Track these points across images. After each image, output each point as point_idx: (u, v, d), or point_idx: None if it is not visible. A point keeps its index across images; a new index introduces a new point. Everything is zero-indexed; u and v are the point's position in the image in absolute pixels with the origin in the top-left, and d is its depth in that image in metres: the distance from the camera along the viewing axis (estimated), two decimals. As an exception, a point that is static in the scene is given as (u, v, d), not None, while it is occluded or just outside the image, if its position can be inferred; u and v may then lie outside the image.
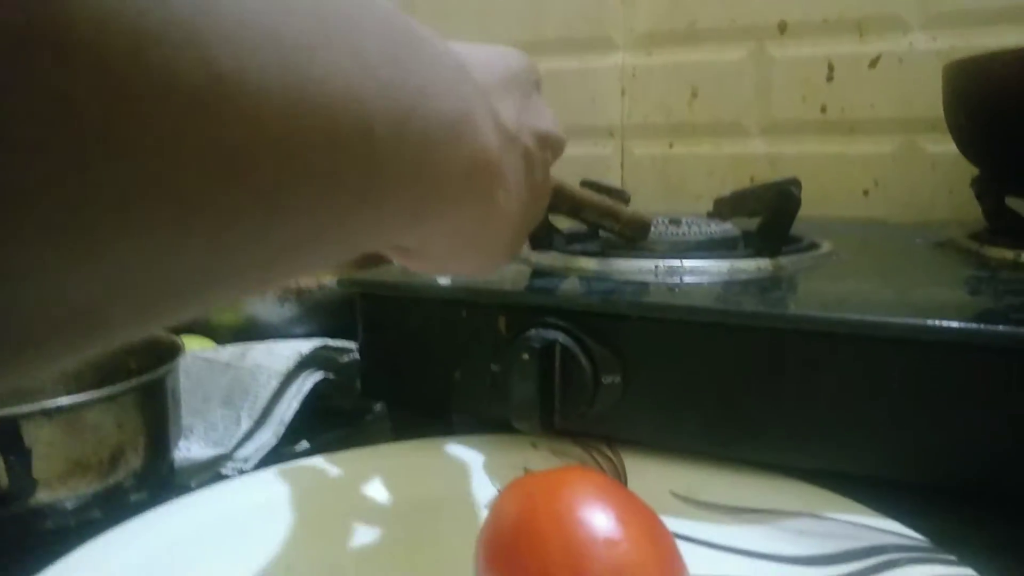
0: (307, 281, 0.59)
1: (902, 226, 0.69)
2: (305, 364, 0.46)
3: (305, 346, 0.46)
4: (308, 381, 0.46)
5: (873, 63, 0.71)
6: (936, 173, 0.70)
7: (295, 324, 0.58)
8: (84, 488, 0.34)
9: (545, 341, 0.37)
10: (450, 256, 0.28)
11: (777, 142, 0.76)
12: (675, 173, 0.80)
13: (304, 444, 0.46)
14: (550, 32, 0.84)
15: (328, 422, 0.48)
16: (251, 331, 0.57)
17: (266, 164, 0.14)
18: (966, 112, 0.50)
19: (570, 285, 0.40)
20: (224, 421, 0.44)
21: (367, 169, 0.18)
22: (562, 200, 0.43)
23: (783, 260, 0.45)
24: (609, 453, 0.39)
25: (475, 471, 0.39)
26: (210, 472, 0.42)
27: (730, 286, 0.40)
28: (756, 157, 0.76)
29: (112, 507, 0.36)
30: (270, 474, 0.38)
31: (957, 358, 0.31)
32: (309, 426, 0.47)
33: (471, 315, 0.42)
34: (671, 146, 0.80)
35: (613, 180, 0.82)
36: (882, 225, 0.69)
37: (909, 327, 0.31)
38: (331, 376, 0.47)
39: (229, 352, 0.48)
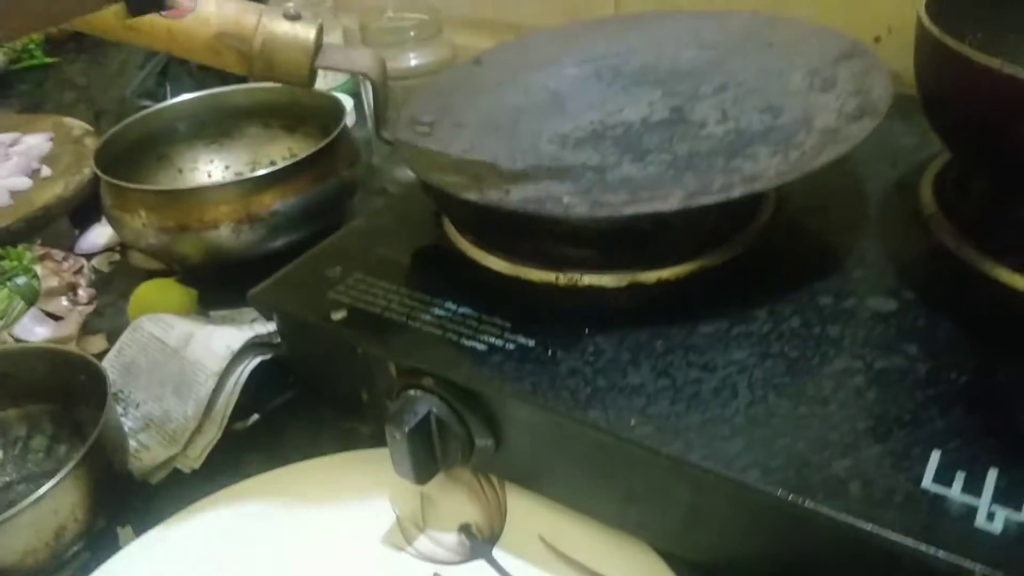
0: (256, 208, 0.60)
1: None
2: (239, 356, 0.50)
3: (236, 342, 0.50)
4: (245, 371, 0.50)
5: None
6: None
7: (254, 248, 0.61)
8: (36, 564, 0.41)
9: (417, 418, 0.39)
10: None
11: (782, -28, 0.65)
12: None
13: (255, 417, 0.52)
14: None
15: (279, 383, 0.53)
16: (216, 258, 0.60)
17: None
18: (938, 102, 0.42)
19: (449, 340, 0.41)
20: (176, 412, 0.49)
21: None
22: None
23: (694, 268, 0.43)
24: (496, 486, 0.43)
25: (375, 496, 0.44)
26: (167, 469, 0.48)
27: (612, 332, 0.40)
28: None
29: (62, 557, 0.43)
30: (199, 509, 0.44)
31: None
32: (260, 393, 0.52)
33: (365, 354, 0.43)
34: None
35: None
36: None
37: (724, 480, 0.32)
38: (267, 356, 0.51)
39: (176, 335, 0.52)
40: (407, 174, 0.71)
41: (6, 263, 0.62)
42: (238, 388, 0.50)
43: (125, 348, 0.53)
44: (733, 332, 0.39)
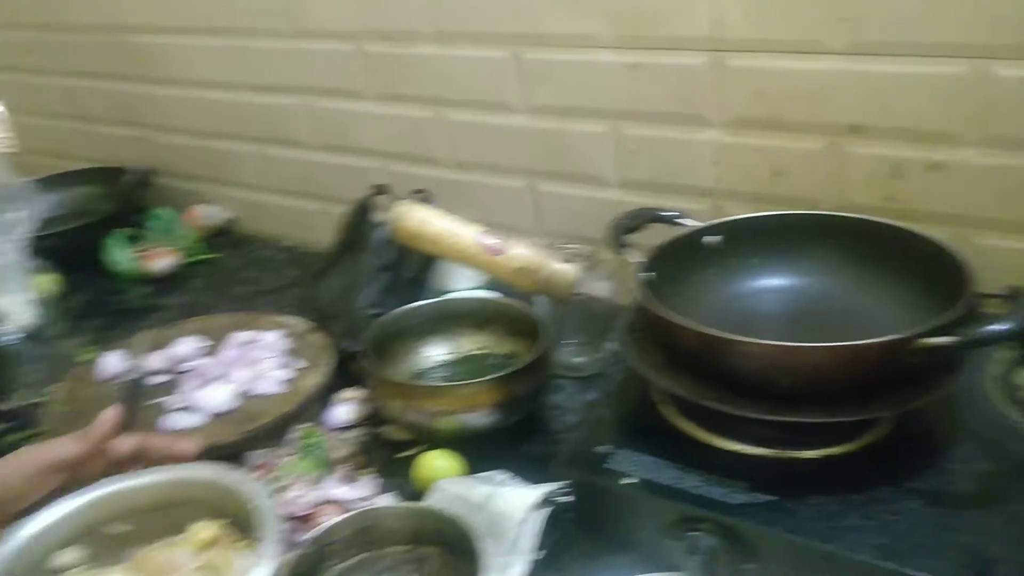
0: (502, 397, 0.82)
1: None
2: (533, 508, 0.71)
3: (531, 498, 0.71)
4: (539, 520, 0.71)
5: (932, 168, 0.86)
6: (986, 259, 0.84)
7: (491, 426, 0.83)
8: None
9: (705, 549, 0.61)
10: None
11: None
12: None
13: (542, 552, 0.72)
14: (652, 106, 0.99)
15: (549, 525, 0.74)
16: (461, 434, 0.82)
17: None
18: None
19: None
20: (494, 548, 0.70)
21: None
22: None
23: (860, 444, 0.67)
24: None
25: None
26: (498, 593, 0.69)
27: None
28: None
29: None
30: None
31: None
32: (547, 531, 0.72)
33: (649, 507, 0.66)
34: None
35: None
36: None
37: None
38: (551, 508, 0.72)
39: (476, 495, 0.73)
40: (569, 359, 0.95)
41: (308, 439, 0.84)
42: (535, 532, 0.71)
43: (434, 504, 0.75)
44: (904, 486, 0.63)
